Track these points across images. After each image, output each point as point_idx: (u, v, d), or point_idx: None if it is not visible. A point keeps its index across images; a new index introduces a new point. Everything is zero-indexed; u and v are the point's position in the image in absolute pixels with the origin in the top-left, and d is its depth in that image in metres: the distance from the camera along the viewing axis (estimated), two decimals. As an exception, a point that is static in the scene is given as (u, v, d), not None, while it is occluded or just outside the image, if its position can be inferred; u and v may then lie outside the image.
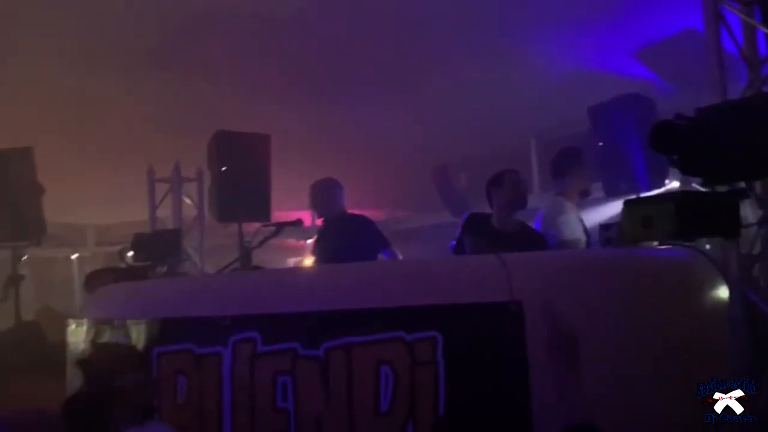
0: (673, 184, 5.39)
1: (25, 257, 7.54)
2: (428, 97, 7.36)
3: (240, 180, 6.11)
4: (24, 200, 6.87)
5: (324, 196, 4.92)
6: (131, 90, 7.43)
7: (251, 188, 6.13)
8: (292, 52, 6.84)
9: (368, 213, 5.30)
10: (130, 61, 6.92)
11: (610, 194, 5.35)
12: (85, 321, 3.64)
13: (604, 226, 3.97)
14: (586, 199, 4.55)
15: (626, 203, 2.94)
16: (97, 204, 10.09)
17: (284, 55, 6.80)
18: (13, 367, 5.60)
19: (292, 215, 4.91)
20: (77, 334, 3.71)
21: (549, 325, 1.90)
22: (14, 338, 6.54)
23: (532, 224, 4.25)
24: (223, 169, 6.09)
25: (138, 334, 3.22)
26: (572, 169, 4.30)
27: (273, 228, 4.43)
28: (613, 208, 4.94)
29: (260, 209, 6.13)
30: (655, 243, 3.26)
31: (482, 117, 7.64)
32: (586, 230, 4.32)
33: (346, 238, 4.62)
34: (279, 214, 5.91)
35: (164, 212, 7.97)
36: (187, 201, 7.76)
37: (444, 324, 2.65)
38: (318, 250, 5.06)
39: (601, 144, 5.56)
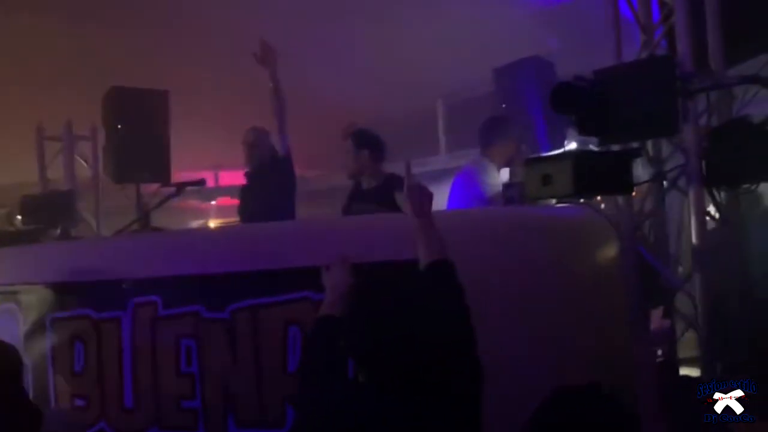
0: (572, 146, 5.58)
1: None
2: (338, 51, 7.26)
3: (137, 138, 5.82)
4: None
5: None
6: (19, 40, 6.93)
7: (149, 147, 5.85)
8: (191, 3, 6.56)
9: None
10: (19, 10, 6.44)
11: (512, 155, 5.49)
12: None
13: (506, 186, 4.14)
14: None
15: (527, 162, 3.04)
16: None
17: (183, 5, 6.51)
18: None
19: (195, 175, 4.75)
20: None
21: None
22: None
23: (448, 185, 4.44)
24: (119, 127, 5.80)
25: (29, 300, 3.05)
26: (497, 137, 4.52)
27: (173, 189, 4.28)
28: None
29: (159, 169, 5.89)
30: (554, 201, 3.41)
31: (393, 74, 7.60)
32: None
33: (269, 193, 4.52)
34: (180, 174, 5.71)
35: (58, 173, 7.52)
36: (81, 161, 7.35)
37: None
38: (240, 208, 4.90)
39: (504, 106, 5.68)
